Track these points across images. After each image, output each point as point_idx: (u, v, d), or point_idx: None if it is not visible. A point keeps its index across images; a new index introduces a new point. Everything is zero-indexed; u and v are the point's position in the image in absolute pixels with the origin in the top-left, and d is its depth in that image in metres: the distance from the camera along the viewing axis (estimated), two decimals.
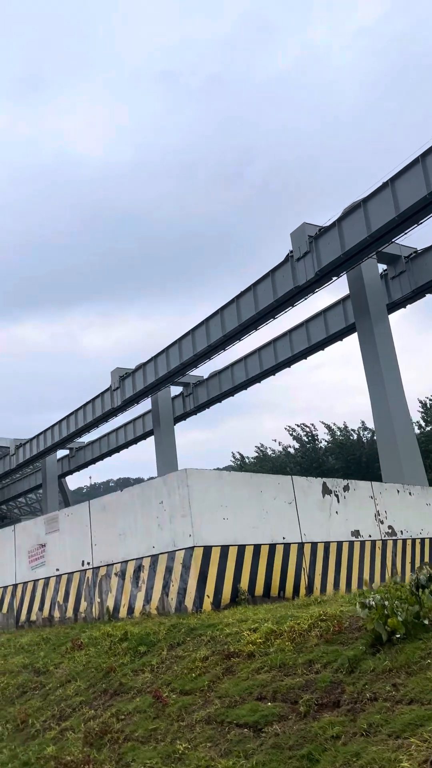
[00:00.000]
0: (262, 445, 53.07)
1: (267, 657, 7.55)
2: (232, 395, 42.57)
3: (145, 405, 46.77)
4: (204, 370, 43.96)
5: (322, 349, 35.53)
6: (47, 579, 13.94)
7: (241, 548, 11.82)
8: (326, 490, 13.90)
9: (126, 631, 10.10)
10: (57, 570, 13.74)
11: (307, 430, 49.24)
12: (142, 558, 11.95)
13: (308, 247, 27.58)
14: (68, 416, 47.59)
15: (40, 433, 51.05)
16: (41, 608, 13.91)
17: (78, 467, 56.31)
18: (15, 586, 14.76)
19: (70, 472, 56.94)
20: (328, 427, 48.11)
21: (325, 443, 48.55)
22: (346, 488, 14.35)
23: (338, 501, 14.06)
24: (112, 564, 12.52)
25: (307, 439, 49.10)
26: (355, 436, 47.16)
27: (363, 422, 48.24)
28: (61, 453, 56.55)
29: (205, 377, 44.27)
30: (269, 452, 51.93)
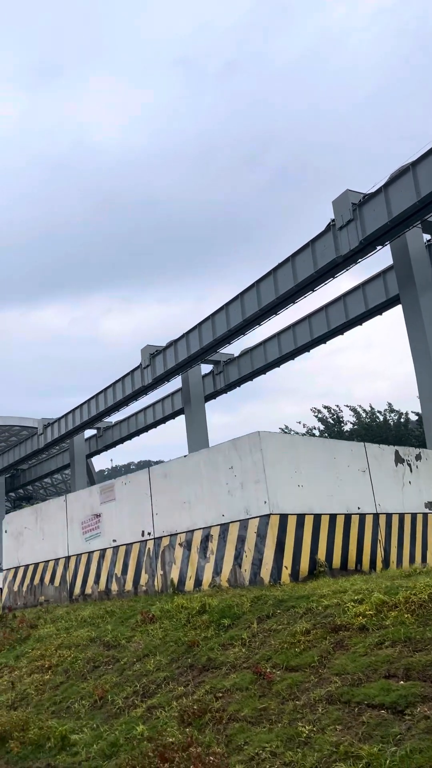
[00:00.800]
0: (287, 427, 52.11)
1: (385, 630, 6.67)
2: (264, 373, 41.60)
3: (173, 384, 45.98)
4: (235, 348, 43.08)
5: (360, 324, 34.40)
6: (103, 551, 13.19)
7: (317, 518, 10.94)
8: (399, 459, 12.95)
9: (204, 603, 9.27)
10: (114, 541, 12.97)
11: (333, 411, 48.24)
12: (210, 527, 11.12)
13: (352, 214, 26.42)
14: (97, 395, 46.98)
15: (69, 413, 50.56)
16: (97, 581, 13.17)
17: (105, 447, 55.81)
18: (68, 558, 14.03)
19: (98, 452, 56.47)
20: (353, 409, 47.12)
21: (351, 425, 47.53)
22: (418, 457, 13.39)
23: (411, 470, 13.11)
24: (176, 534, 11.71)
25: (332, 421, 48.08)
26: (382, 419, 46.13)
27: (390, 404, 47.22)
28: (88, 433, 56.05)
29: (235, 355, 43.36)
30: (293, 435, 50.94)
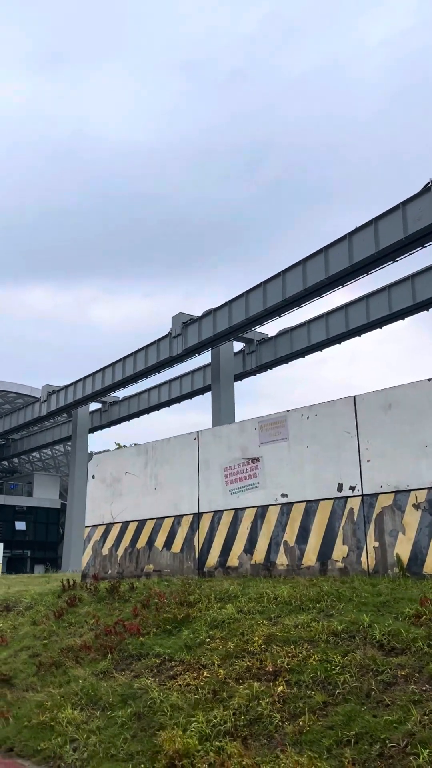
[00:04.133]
0: None
1: None
2: (303, 356, 37.95)
3: (186, 366, 41.96)
4: (270, 328, 39.25)
5: (427, 309, 31.02)
6: (263, 508, 9.25)
7: None
8: None
9: None
10: (284, 496, 9.06)
11: None
12: None
13: None
14: (113, 364, 42.76)
15: (78, 381, 46.19)
16: (249, 550, 9.23)
17: (110, 423, 51.53)
18: (198, 515, 10.04)
19: (101, 427, 52.13)
20: None
21: None
22: None
23: None
24: (408, 491, 7.86)
25: None
26: None
27: None
28: (92, 407, 51.65)
29: (270, 335, 39.67)
30: None
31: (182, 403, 47.54)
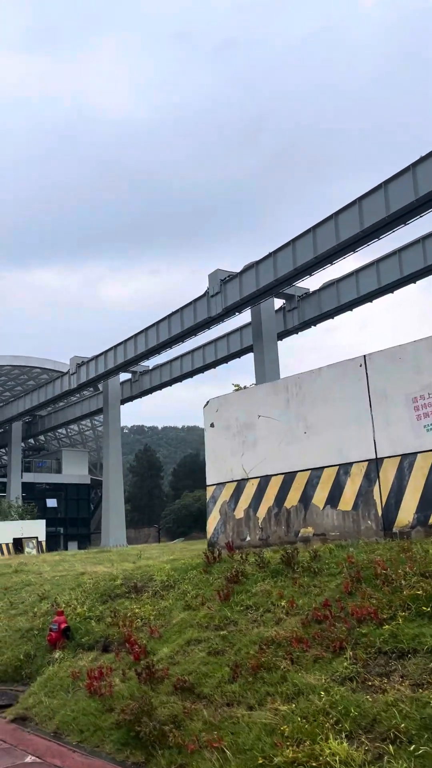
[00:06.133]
0: None
1: None
2: (351, 309, 35.34)
3: (220, 329, 39.71)
4: (310, 283, 36.63)
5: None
6: None
7: None
8: None
9: None
10: None
11: None
12: None
13: None
14: (146, 330, 40.39)
15: (108, 350, 43.93)
16: None
17: (141, 393, 49.32)
18: (376, 461, 7.71)
19: (131, 398, 49.97)
20: None
21: None
22: None
23: None
24: None
25: None
26: None
27: None
28: (122, 378, 49.44)
29: (311, 290, 37.05)
30: None
31: (187, 380, 45.61)
